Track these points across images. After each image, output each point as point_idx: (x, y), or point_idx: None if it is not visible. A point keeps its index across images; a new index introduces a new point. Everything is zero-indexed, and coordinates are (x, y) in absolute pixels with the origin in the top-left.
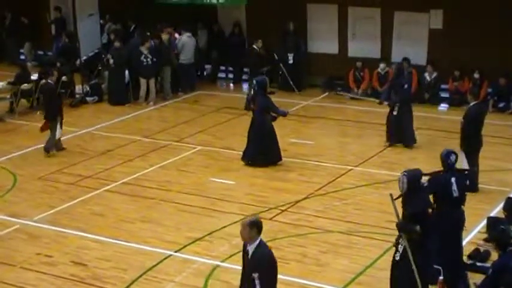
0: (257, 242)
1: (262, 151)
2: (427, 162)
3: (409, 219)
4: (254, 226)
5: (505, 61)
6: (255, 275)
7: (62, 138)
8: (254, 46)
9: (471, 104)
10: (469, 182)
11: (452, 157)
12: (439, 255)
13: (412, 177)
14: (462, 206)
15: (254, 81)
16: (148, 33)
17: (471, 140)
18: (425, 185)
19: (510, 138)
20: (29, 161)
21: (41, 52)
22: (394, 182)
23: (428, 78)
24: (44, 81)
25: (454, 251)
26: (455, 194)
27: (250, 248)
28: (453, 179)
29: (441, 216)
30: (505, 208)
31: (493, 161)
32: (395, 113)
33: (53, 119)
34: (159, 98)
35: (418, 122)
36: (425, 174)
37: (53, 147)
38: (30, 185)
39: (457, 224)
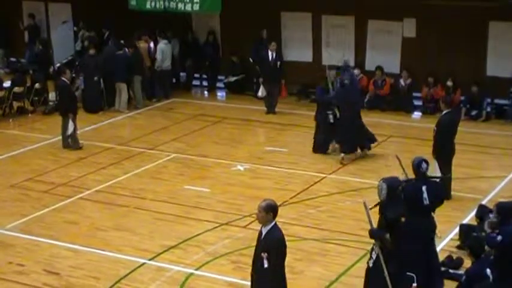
0: (271, 224)
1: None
2: (400, 170)
3: (384, 227)
4: (270, 210)
5: (477, 69)
6: (264, 255)
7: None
8: (269, 50)
9: (444, 112)
10: (442, 189)
11: (424, 165)
12: (413, 263)
13: (391, 184)
14: (432, 213)
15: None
16: (122, 41)
17: (444, 148)
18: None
19: (482, 146)
20: (1, 169)
21: (13, 59)
22: (368, 189)
23: (403, 83)
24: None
25: (428, 259)
26: (426, 202)
27: (264, 230)
28: (424, 187)
29: (411, 224)
30: (477, 215)
31: (465, 169)
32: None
33: (64, 114)
34: (131, 106)
35: (391, 130)
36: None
37: (67, 140)
38: (2, 193)
39: (427, 232)
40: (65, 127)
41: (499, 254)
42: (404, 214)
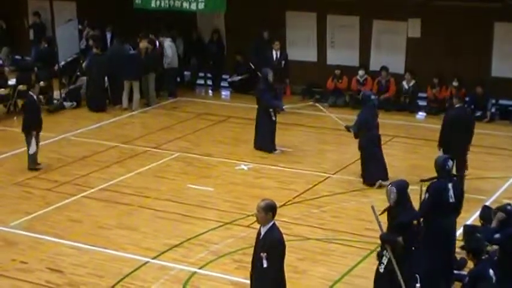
0: (270, 224)
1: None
2: (405, 171)
3: (395, 231)
4: (270, 210)
5: (482, 70)
6: (263, 255)
7: (38, 150)
8: (273, 50)
9: (456, 106)
10: (462, 188)
11: (449, 163)
12: (429, 263)
13: (401, 188)
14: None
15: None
16: (123, 39)
17: (451, 144)
18: (426, 195)
19: (487, 146)
20: (5, 167)
21: (18, 57)
22: (372, 189)
23: (406, 86)
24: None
25: (446, 260)
26: (451, 199)
27: (263, 230)
28: (450, 185)
29: (434, 224)
30: (481, 216)
31: (470, 169)
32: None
33: (26, 132)
34: (141, 104)
35: (396, 130)
36: (424, 180)
37: (35, 162)
38: (6, 190)
39: (449, 232)
40: (28, 145)
41: (501, 253)
42: (418, 217)
